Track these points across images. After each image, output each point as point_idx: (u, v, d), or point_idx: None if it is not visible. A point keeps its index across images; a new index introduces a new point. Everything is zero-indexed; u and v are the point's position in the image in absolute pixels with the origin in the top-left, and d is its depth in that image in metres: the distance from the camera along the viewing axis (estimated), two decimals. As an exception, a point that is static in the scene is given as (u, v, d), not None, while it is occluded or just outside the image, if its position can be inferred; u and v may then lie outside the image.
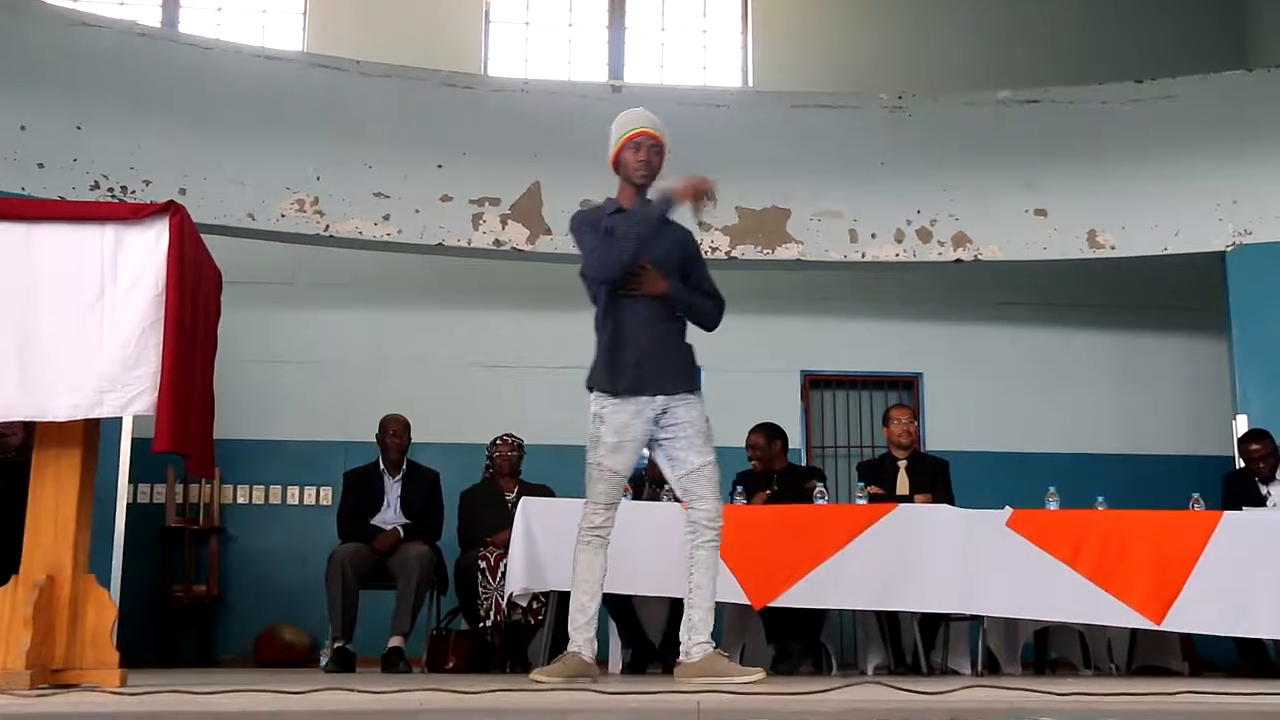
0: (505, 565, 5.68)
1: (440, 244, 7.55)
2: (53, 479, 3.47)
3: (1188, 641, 6.26)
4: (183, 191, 6.92)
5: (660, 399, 4.06)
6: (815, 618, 6.06)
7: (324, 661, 6.16)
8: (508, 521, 5.74)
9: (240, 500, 8.15)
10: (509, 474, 6.63)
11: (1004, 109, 7.92)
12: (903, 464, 6.47)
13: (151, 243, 3.44)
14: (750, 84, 9.33)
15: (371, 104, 7.58)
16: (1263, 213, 7.55)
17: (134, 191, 6.98)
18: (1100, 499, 5.92)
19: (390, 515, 6.43)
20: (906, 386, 8.94)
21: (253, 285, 7.81)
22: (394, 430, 6.56)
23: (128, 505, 7.11)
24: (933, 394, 8.85)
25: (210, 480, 7.82)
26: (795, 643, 6.11)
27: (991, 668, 6.08)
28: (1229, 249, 7.57)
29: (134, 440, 6.93)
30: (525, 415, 7.67)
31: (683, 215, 4.22)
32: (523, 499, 5.73)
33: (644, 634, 6.05)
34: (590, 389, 4.11)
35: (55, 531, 3.44)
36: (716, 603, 4.13)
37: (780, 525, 5.54)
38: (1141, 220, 7.70)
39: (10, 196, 5.95)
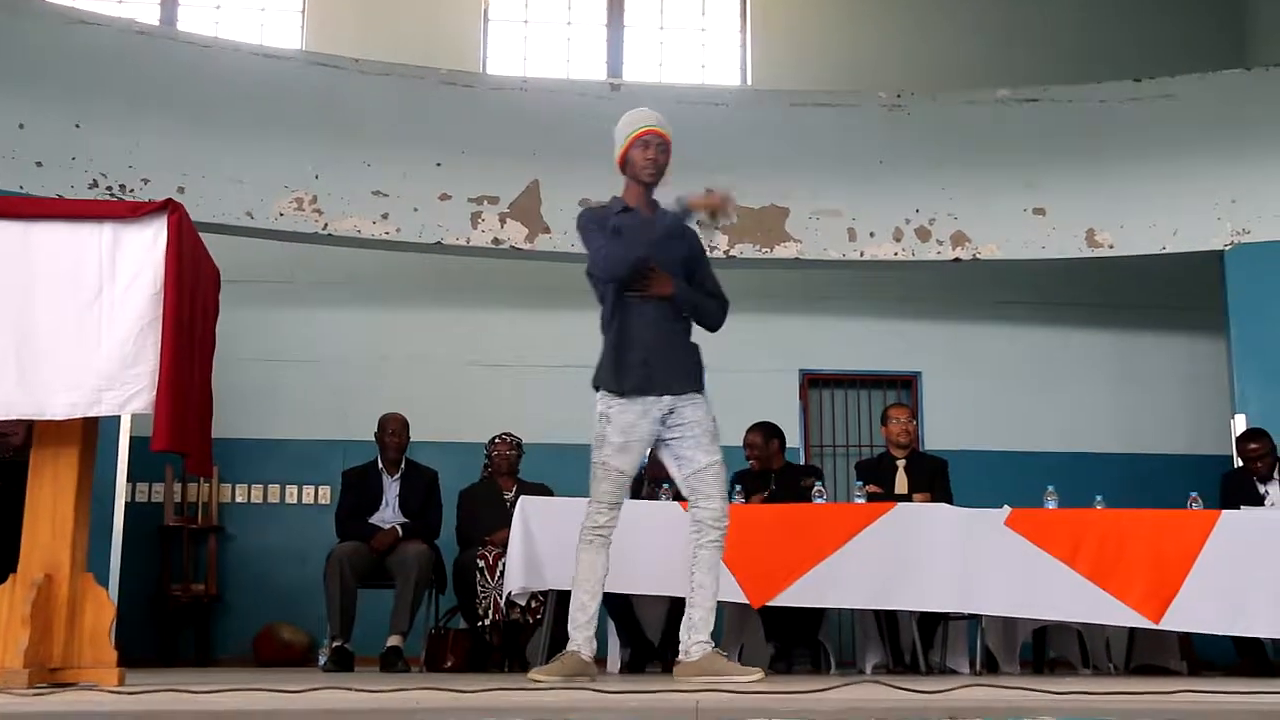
0: (504, 564, 5.68)
1: (439, 242, 7.54)
2: (51, 477, 3.47)
3: (1186, 640, 6.26)
4: (181, 190, 6.92)
5: (667, 399, 4.06)
6: (814, 617, 6.06)
7: (322, 661, 6.15)
8: (506, 520, 5.74)
9: (239, 499, 8.15)
10: (507, 473, 6.62)
11: (1003, 108, 7.92)
12: (901, 463, 6.47)
13: (150, 241, 3.44)
14: (749, 83, 9.32)
15: (370, 102, 7.57)
16: (1261, 212, 7.55)
17: (132, 190, 6.97)
18: (1099, 498, 5.92)
19: (389, 514, 6.43)
20: (905, 385, 8.94)
21: (251, 284, 7.81)
22: (392, 429, 6.55)
23: (126, 504, 7.10)
24: (931, 393, 8.85)
25: (208, 479, 7.81)
26: (794, 642, 6.12)
27: (990, 667, 6.08)
28: (1227, 248, 7.58)
29: (132, 439, 6.93)
30: (524, 414, 7.67)
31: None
32: (521, 498, 5.72)
33: (643, 633, 6.05)
34: (596, 388, 4.11)
35: (53, 530, 3.44)
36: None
37: (779, 524, 5.54)
38: (1140, 219, 7.70)
39: (8, 195, 5.95)
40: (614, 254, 4.01)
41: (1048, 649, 6.54)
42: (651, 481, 6.30)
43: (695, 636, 3.99)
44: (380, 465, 6.54)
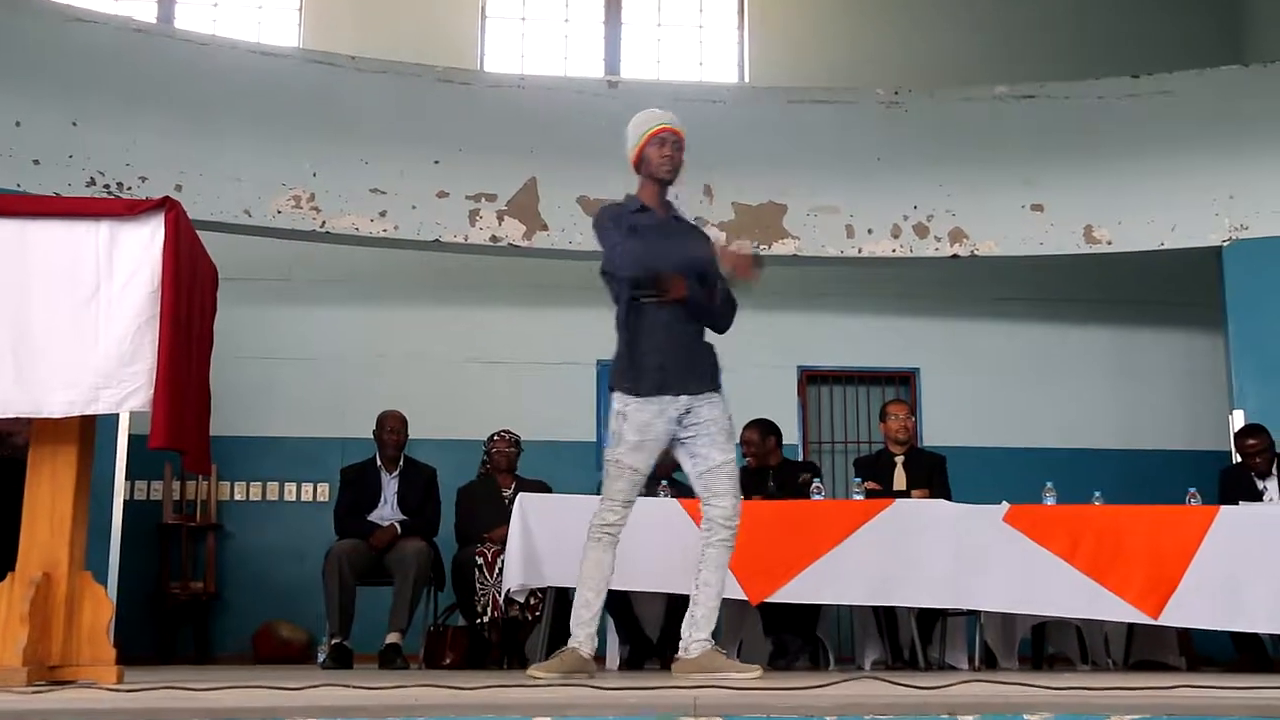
0: (502, 561, 5.68)
1: (437, 240, 7.54)
2: (49, 476, 3.47)
3: (1184, 636, 6.27)
4: (178, 188, 6.92)
5: (684, 399, 4.07)
6: (812, 613, 6.06)
7: (321, 658, 6.15)
8: (505, 517, 5.74)
9: (237, 497, 8.14)
10: (506, 470, 6.62)
11: (1001, 104, 7.92)
12: (900, 459, 6.48)
13: (147, 239, 3.44)
14: (746, 79, 9.32)
15: (367, 100, 7.56)
16: (1259, 208, 7.56)
17: (129, 188, 6.97)
18: (1097, 494, 5.92)
19: (387, 511, 6.42)
20: (903, 382, 8.94)
21: (249, 281, 7.79)
22: (391, 426, 6.55)
23: (124, 502, 7.09)
24: (929, 389, 8.85)
25: (207, 477, 7.81)
26: (792, 638, 6.12)
27: (989, 663, 6.08)
28: (1225, 244, 7.58)
29: (130, 437, 6.92)
30: (522, 411, 7.68)
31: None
32: (520, 495, 5.72)
33: (641, 630, 6.05)
34: (612, 390, 4.11)
35: (52, 528, 3.44)
36: (712, 598, 4.12)
37: (777, 520, 5.53)
38: (1138, 215, 7.70)
39: (5, 193, 5.95)
40: (631, 252, 4.00)
41: (1046, 645, 6.54)
42: (651, 479, 6.29)
43: (696, 634, 3.99)
44: (379, 462, 6.53)
